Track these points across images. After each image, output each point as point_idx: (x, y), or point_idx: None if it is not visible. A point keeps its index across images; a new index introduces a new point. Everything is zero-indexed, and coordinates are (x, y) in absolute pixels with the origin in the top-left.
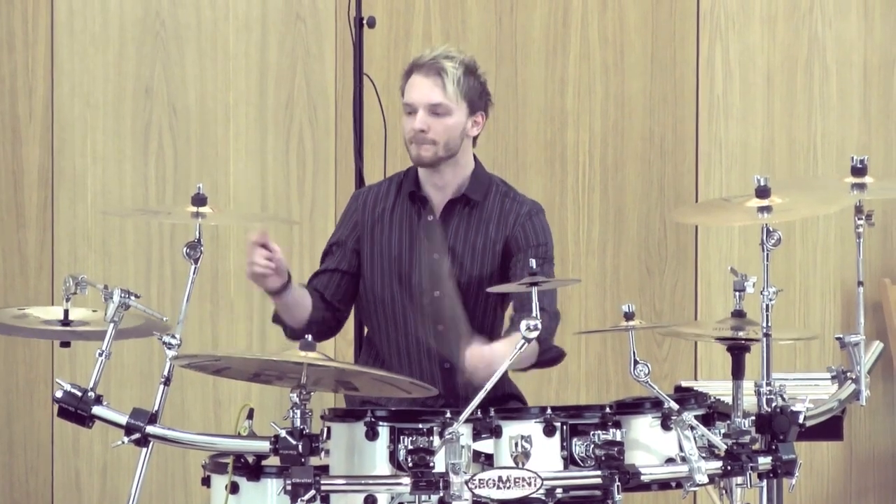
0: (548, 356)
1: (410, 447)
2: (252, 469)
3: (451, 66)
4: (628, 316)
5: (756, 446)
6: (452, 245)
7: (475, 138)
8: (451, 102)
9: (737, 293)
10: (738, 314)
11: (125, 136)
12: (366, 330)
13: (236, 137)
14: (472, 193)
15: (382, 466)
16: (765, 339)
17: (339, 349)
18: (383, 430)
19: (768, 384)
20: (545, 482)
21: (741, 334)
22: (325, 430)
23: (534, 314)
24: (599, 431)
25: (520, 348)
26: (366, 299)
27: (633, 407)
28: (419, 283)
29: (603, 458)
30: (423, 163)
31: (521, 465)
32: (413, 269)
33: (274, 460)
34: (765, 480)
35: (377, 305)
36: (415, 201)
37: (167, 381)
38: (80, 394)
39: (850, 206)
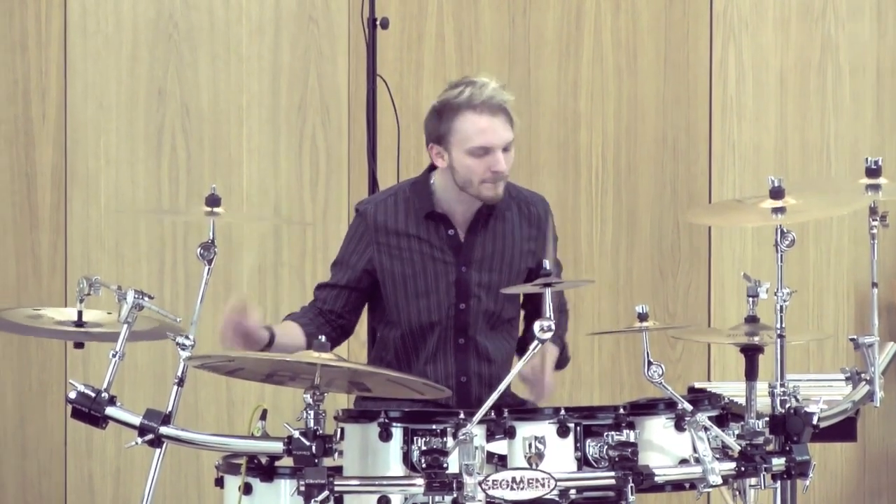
0: (562, 360)
1: (424, 448)
2: (265, 470)
3: (509, 100)
4: (642, 317)
5: (770, 447)
6: (481, 257)
7: None
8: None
9: (750, 299)
10: (752, 320)
11: (138, 138)
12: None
13: (249, 139)
14: (496, 207)
15: (396, 467)
16: (779, 340)
17: (352, 350)
18: (397, 431)
19: (782, 385)
20: (559, 483)
21: (755, 340)
22: (339, 430)
23: (547, 314)
24: (613, 432)
25: (534, 349)
26: (387, 315)
27: (646, 408)
28: (444, 297)
29: (616, 459)
30: (499, 199)
31: (534, 466)
32: (439, 285)
33: (287, 461)
34: (778, 481)
35: (399, 322)
36: (433, 218)
37: (181, 382)
38: (93, 394)
39: (863, 207)
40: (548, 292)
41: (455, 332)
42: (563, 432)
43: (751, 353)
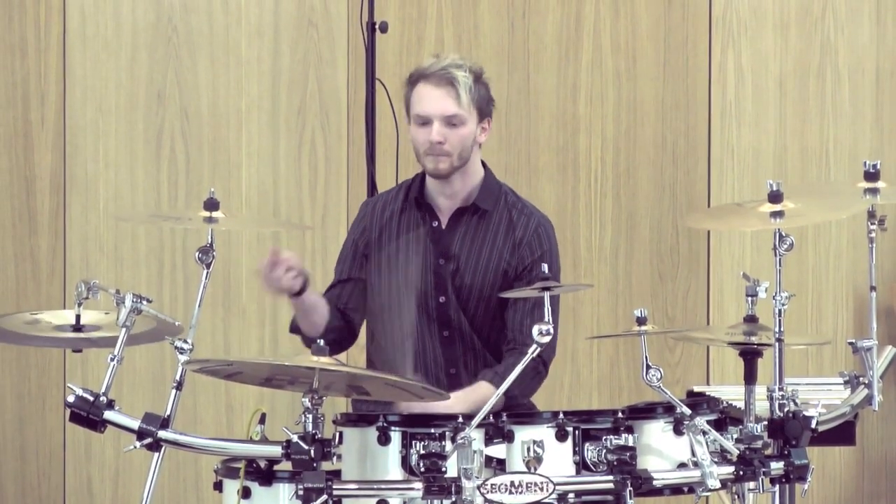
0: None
1: (422, 452)
2: (264, 474)
3: (462, 76)
4: (641, 321)
5: (768, 451)
6: (458, 253)
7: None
8: (465, 112)
9: (749, 298)
10: (751, 319)
11: (137, 142)
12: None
13: (248, 143)
14: (482, 202)
15: (395, 471)
16: (777, 344)
17: (350, 354)
18: (395, 435)
19: (781, 389)
20: (557, 487)
21: (753, 339)
22: (338, 434)
23: (546, 318)
24: (612, 436)
25: (532, 353)
26: (372, 304)
27: (645, 412)
28: (424, 288)
29: (615, 462)
30: (440, 175)
31: (533, 470)
32: (419, 275)
33: (286, 465)
34: (777, 485)
35: (383, 310)
36: (420, 207)
37: (179, 386)
38: (92, 398)
39: (862, 211)
40: (546, 296)
41: (438, 324)
42: (561, 436)
43: (749, 357)
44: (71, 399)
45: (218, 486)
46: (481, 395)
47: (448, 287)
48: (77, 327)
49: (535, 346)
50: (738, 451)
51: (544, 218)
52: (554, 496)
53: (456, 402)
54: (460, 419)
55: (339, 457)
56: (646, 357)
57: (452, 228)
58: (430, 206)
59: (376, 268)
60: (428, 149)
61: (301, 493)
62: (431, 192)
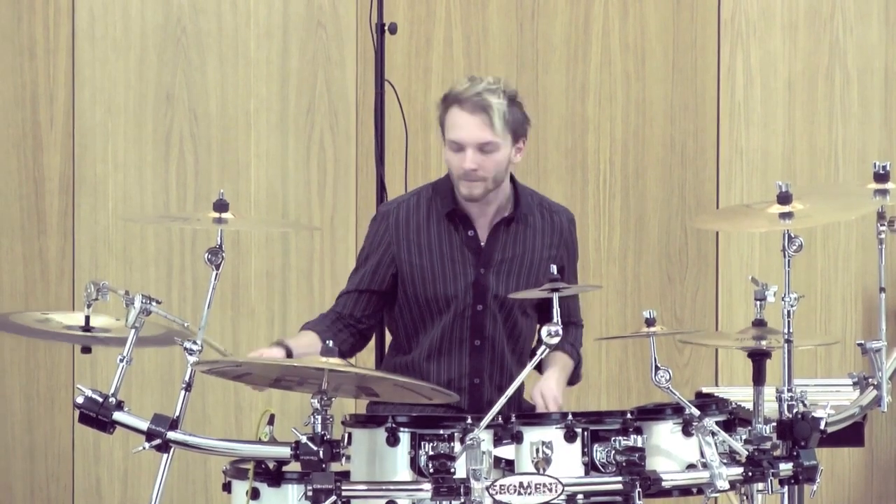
0: (575, 377)
1: (431, 453)
2: (273, 475)
3: (496, 102)
4: (649, 322)
5: (777, 452)
6: (500, 261)
7: None
8: (499, 138)
9: (758, 302)
10: (759, 323)
11: (146, 143)
12: (388, 337)
13: (257, 144)
14: (522, 210)
15: (403, 472)
16: (786, 345)
17: (359, 355)
18: (404, 436)
19: (790, 390)
20: (566, 488)
21: (763, 344)
22: (346, 435)
23: (555, 320)
24: (620, 437)
25: (541, 354)
26: (401, 314)
27: (654, 413)
28: (462, 297)
29: (624, 463)
30: (474, 199)
31: (542, 471)
32: (457, 284)
33: (295, 466)
34: (786, 486)
35: (414, 320)
36: (453, 218)
37: (188, 387)
38: (101, 399)
39: (871, 212)
40: (555, 297)
41: (471, 333)
42: (570, 437)
43: (758, 358)
44: (80, 400)
45: (227, 487)
46: (570, 365)
47: (488, 296)
48: (87, 329)
49: (543, 347)
50: (746, 453)
51: (568, 210)
52: (563, 497)
53: (557, 378)
54: (469, 420)
55: (348, 458)
56: (654, 358)
57: (494, 237)
58: (464, 216)
59: (410, 280)
60: (462, 174)
61: (310, 494)
62: (466, 204)
